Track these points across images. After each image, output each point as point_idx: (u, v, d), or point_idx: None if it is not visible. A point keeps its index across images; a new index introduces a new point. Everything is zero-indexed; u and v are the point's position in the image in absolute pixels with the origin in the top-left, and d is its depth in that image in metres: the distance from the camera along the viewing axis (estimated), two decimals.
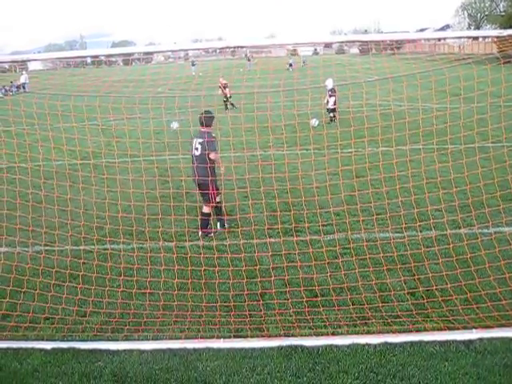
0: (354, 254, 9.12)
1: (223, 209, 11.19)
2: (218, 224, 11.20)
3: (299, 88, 12.32)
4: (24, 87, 55.33)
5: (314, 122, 22.67)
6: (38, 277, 8.46)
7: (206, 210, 11.06)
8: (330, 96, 24.85)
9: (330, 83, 25.05)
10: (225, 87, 31.51)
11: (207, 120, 10.98)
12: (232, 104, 31.21)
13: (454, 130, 11.08)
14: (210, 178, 10.42)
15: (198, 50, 10.44)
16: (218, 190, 10.98)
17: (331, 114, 24.61)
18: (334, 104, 24.62)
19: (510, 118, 10.92)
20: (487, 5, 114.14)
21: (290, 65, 70.35)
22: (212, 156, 10.71)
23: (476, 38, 78.88)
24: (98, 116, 10.35)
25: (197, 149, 10.84)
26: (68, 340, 7.21)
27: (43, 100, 10.46)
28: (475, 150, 10.06)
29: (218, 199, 10.97)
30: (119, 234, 9.91)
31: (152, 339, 7.16)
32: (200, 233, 10.94)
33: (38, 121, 10.30)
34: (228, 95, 31.28)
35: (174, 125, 22.50)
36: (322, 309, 7.65)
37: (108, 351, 6.93)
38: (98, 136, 13.53)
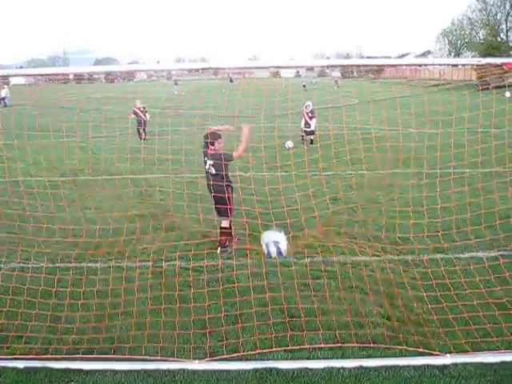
0: (332, 276, 9.12)
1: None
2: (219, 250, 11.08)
3: (280, 113, 12.34)
4: (4, 101, 55.03)
5: (290, 143, 22.92)
6: (13, 294, 8.34)
7: (224, 224, 11.07)
8: (311, 118, 25.08)
9: (309, 105, 25.40)
10: (143, 112, 28.76)
11: (212, 140, 11.03)
12: (144, 131, 28.18)
13: (433, 154, 11.17)
14: (226, 195, 10.49)
15: (181, 70, 10.47)
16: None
17: (311, 137, 24.87)
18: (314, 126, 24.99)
19: (487, 143, 11.06)
20: (467, 32, 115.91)
21: (304, 86, 71.88)
22: (235, 155, 10.78)
23: (456, 65, 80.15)
24: (77, 133, 10.31)
25: (211, 169, 10.92)
26: (41, 359, 7.10)
27: (22, 117, 10.41)
28: (451, 174, 10.17)
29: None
30: (95, 253, 9.82)
31: (126, 360, 7.07)
32: (218, 250, 10.95)
33: (16, 137, 10.22)
34: (147, 120, 28.39)
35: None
36: (297, 331, 7.62)
37: (81, 371, 6.83)
38: (75, 153, 13.48)
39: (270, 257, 7.06)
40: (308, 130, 25.13)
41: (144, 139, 27.39)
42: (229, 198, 10.61)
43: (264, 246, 7.23)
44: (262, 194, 11.35)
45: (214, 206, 11.01)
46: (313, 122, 25.11)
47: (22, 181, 11.43)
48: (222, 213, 10.95)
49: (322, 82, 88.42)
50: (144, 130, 28.30)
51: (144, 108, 29.14)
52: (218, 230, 11.10)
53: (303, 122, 25.52)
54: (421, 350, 7.07)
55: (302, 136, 25.21)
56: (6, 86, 57.25)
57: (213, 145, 10.96)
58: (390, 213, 10.31)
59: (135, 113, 28.75)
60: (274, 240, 6.99)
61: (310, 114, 25.23)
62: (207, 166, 10.94)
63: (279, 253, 7.13)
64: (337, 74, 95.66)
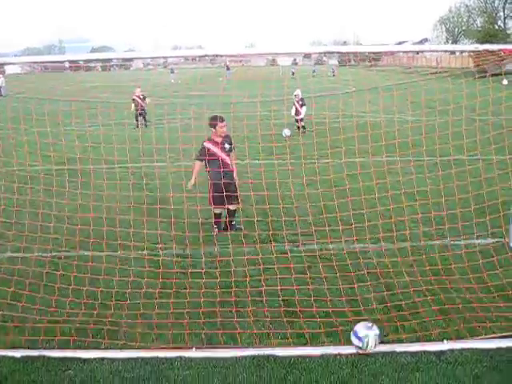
0: (329, 264, 9.13)
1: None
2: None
3: (276, 99, 12.32)
4: (0, 91, 54.80)
5: (287, 132, 22.94)
6: (10, 283, 8.33)
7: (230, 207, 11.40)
8: (301, 106, 25.12)
9: (299, 93, 25.46)
10: (142, 99, 29.06)
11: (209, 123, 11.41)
12: (144, 118, 28.75)
13: (430, 142, 11.15)
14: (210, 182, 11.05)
15: (177, 57, 10.42)
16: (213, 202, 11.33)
17: (302, 123, 24.92)
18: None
19: (485, 131, 11.05)
20: (464, 20, 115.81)
21: (293, 73, 71.63)
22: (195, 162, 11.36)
23: (453, 52, 79.86)
24: (73, 121, 10.26)
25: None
26: (38, 348, 7.10)
27: (18, 104, 10.36)
28: (451, 162, 10.16)
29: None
30: (93, 240, 9.79)
31: (124, 348, 7.08)
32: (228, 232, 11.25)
33: (13, 125, 10.19)
34: (146, 106, 28.84)
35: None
36: (295, 318, 7.63)
37: (79, 359, 6.83)
38: (73, 141, 13.43)
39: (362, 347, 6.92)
40: (298, 117, 25.27)
41: (144, 125, 28.12)
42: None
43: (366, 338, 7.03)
44: (257, 182, 11.31)
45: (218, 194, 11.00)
46: (303, 110, 25.25)
47: (17, 169, 11.42)
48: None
49: (320, 69, 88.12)
50: (144, 117, 28.63)
51: (143, 95, 29.33)
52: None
53: (293, 110, 25.66)
54: (418, 336, 7.09)
55: (298, 126, 25.23)
56: (1, 76, 57.01)
57: (214, 127, 11.25)
58: (387, 200, 10.29)
59: (134, 100, 29.00)
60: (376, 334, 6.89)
61: (300, 102, 25.33)
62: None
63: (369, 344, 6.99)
64: (334, 61, 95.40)
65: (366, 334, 6.73)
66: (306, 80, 62.34)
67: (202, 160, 11.24)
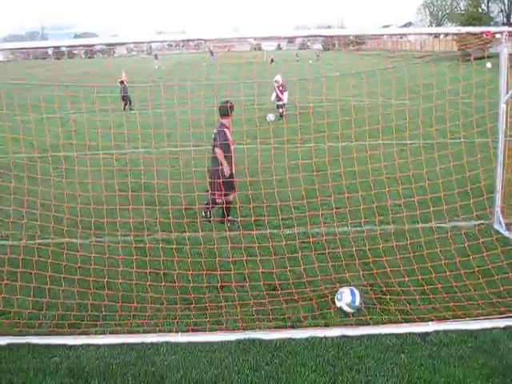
0: (314, 248, 9.19)
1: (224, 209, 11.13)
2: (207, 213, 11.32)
3: (261, 81, 12.30)
4: None
5: (271, 116, 22.86)
6: None
7: (220, 199, 11.09)
8: (282, 92, 24.97)
9: (279, 79, 25.20)
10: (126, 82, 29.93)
11: (222, 110, 11.02)
12: (130, 102, 29.01)
13: (414, 126, 11.19)
14: (219, 167, 10.64)
15: (161, 42, 10.35)
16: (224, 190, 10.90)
17: (280, 110, 24.65)
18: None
19: (468, 115, 11.11)
20: (448, 3, 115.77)
21: (272, 60, 71.11)
22: (217, 151, 10.82)
23: (437, 36, 79.90)
24: (56, 107, 10.18)
25: (214, 139, 10.99)
26: (24, 335, 7.08)
27: (1, 91, 10.26)
28: (434, 146, 10.21)
29: (219, 200, 11.10)
30: (77, 226, 9.76)
31: (109, 334, 7.08)
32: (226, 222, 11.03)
33: None
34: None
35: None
36: (280, 302, 7.67)
37: (64, 346, 6.83)
38: (57, 127, 13.33)
39: (354, 302, 7.25)
40: (279, 103, 24.99)
41: (130, 109, 28.15)
42: (219, 175, 10.64)
43: (351, 295, 7.39)
44: (241, 165, 11.31)
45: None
46: (285, 96, 24.91)
47: (0, 157, 11.33)
48: (211, 186, 11.05)
49: (303, 54, 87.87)
50: (129, 102, 28.94)
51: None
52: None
53: (274, 95, 25.34)
54: (403, 317, 7.16)
55: (280, 112, 24.93)
56: None
57: (224, 116, 11.04)
58: (372, 184, 10.35)
59: (122, 82, 29.62)
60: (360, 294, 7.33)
61: (280, 88, 25.05)
62: (213, 135, 11.08)
63: (359, 303, 7.36)
64: (318, 46, 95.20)
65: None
66: (289, 64, 62.15)
67: (224, 146, 10.87)
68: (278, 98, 25.09)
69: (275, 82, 25.19)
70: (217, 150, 10.75)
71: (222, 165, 10.72)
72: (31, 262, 8.39)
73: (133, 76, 33.04)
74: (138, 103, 25.68)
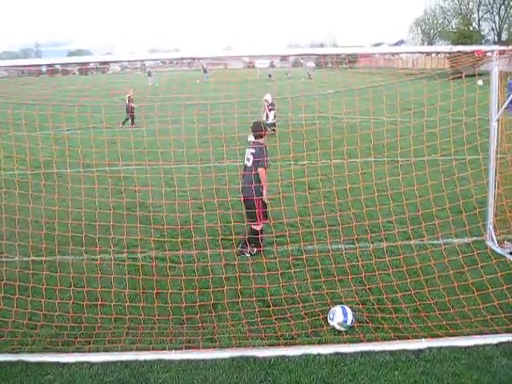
0: (307, 265, 9.21)
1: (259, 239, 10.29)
2: (239, 247, 10.43)
3: (253, 100, 12.39)
4: None
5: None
6: None
7: (254, 227, 10.39)
8: (270, 110, 25.06)
9: (269, 98, 25.36)
10: (132, 100, 30.69)
11: (258, 130, 10.52)
12: (133, 119, 29.51)
13: (405, 143, 11.27)
14: (255, 198, 9.99)
15: (154, 60, 10.42)
16: (264, 209, 10.37)
17: (271, 128, 24.53)
18: (274, 118, 25.00)
19: (459, 131, 11.19)
20: (440, 22, 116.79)
21: (270, 75, 71.34)
22: (260, 171, 10.14)
23: (429, 54, 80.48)
24: (51, 125, 10.21)
25: (248, 160, 10.31)
26: (17, 352, 7.05)
27: None
28: (425, 162, 10.27)
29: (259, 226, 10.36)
30: (70, 245, 9.76)
31: (103, 351, 7.06)
32: (237, 248, 10.37)
33: None
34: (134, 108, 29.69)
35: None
36: (274, 319, 7.67)
37: (58, 364, 6.81)
38: (50, 145, 13.35)
39: (346, 322, 7.29)
40: (268, 122, 24.83)
41: (123, 123, 28.93)
42: (257, 199, 10.11)
43: (343, 314, 7.41)
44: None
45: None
46: (271, 114, 25.01)
47: None
48: (248, 214, 10.46)
49: (295, 71, 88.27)
50: (132, 117, 29.45)
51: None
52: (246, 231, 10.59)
53: (264, 115, 25.30)
54: (396, 334, 7.17)
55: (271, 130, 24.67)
56: None
57: (260, 137, 10.55)
58: (364, 201, 10.40)
59: (130, 100, 30.46)
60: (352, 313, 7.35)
61: (270, 107, 25.20)
62: (247, 155, 10.36)
63: (351, 322, 7.39)
64: (311, 64, 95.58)
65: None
66: (282, 82, 62.48)
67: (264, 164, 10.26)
68: (267, 117, 25.07)
69: (265, 101, 25.36)
70: (260, 169, 10.13)
71: (261, 188, 10.17)
72: (28, 280, 8.39)
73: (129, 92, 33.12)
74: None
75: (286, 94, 26.57)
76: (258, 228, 10.29)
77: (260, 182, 10.13)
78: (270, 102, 25.25)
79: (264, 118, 25.04)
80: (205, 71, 77.93)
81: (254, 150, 10.31)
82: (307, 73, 77.19)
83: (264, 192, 10.19)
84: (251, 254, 10.27)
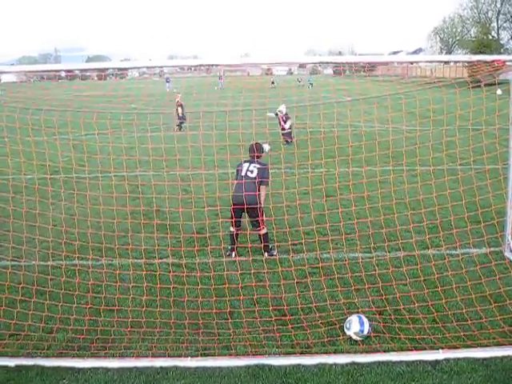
0: (323, 274, 9.16)
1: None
2: (266, 254, 10.62)
3: (271, 107, 12.40)
4: None
5: (266, 147, 22.64)
6: (4, 292, 8.35)
7: (262, 232, 10.63)
8: (286, 120, 24.87)
9: (283, 109, 25.17)
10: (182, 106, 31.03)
11: (259, 149, 11.02)
12: (181, 124, 30.19)
13: (424, 151, 11.23)
14: (258, 206, 10.29)
15: (173, 66, 10.46)
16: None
17: (288, 138, 24.51)
18: (290, 128, 24.78)
19: (478, 140, 11.12)
20: (459, 30, 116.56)
21: (273, 82, 71.21)
22: (263, 190, 10.60)
23: (447, 62, 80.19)
24: (69, 130, 10.27)
25: (251, 171, 10.56)
26: (32, 357, 7.08)
27: (14, 113, 10.38)
28: (444, 171, 10.21)
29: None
30: (88, 251, 9.82)
31: (119, 357, 7.08)
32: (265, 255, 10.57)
33: (8, 134, 10.20)
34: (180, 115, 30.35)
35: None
36: (290, 328, 7.64)
37: (73, 369, 6.81)
38: (68, 151, 13.45)
39: (363, 331, 7.26)
40: (284, 132, 24.89)
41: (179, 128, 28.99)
42: (260, 207, 10.40)
43: (359, 324, 7.39)
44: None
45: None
46: (287, 124, 24.81)
47: (12, 178, 11.41)
48: (253, 222, 10.66)
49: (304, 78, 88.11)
50: (180, 122, 29.74)
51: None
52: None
53: (280, 126, 25.13)
54: (413, 345, 7.11)
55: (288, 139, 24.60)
56: None
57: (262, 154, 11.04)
58: (382, 209, 10.35)
59: (180, 105, 30.39)
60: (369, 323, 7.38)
61: (284, 118, 24.96)
62: (249, 167, 10.66)
63: (368, 331, 7.35)
64: (329, 71, 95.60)
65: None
66: (287, 90, 62.39)
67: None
68: (282, 128, 24.99)
69: (279, 111, 25.08)
70: (264, 187, 10.59)
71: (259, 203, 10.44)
72: (45, 284, 8.44)
73: (147, 98, 33.26)
74: (149, 126, 25.86)
75: (293, 101, 26.51)
76: (265, 231, 10.52)
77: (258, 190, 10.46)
78: (285, 112, 25.04)
79: (281, 130, 25.10)
80: (220, 78, 78.13)
81: (259, 166, 10.63)
82: (309, 83, 76.34)
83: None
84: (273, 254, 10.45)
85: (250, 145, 10.95)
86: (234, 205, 10.35)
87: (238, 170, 10.82)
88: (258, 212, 10.28)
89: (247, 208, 10.06)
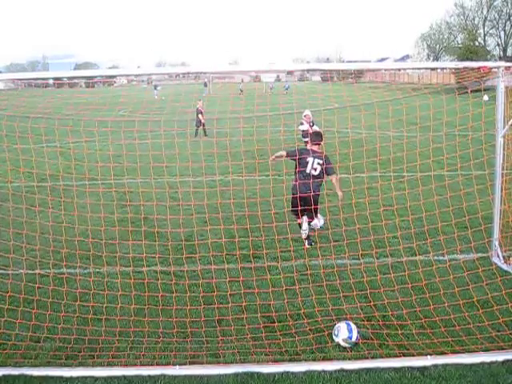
0: (312, 281, 9.16)
1: None
2: (306, 242, 11.13)
3: (258, 115, 12.42)
4: None
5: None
6: None
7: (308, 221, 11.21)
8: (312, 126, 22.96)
9: (309, 114, 22.76)
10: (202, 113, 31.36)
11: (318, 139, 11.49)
12: (198, 130, 30.77)
13: (411, 158, 11.27)
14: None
15: (161, 74, 10.46)
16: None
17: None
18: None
19: (465, 147, 11.18)
20: (446, 37, 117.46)
21: (241, 90, 71.36)
22: (334, 178, 11.25)
23: (434, 69, 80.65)
24: (57, 138, 10.24)
25: (315, 169, 11.10)
26: (20, 366, 7.02)
27: (1, 121, 10.35)
28: (431, 178, 10.25)
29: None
30: (75, 259, 9.77)
31: (107, 366, 7.03)
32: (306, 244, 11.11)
33: None
34: (202, 121, 30.77)
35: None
36: (278, 335, 7.63)
37: (61, 378, 6.76)
38: (56, 158, 13.40)
39: (351, 338, 7.27)
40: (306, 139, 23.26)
41: (204, 134, 29.50)
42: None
43: (348, 330, 7.40)
44: (240, 198, 11.36)
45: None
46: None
47: None
48: (309, 213, 11.03)
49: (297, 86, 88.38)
50: (198, 128, 30.25)
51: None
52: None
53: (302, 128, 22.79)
54: (401, 351, 7.12)
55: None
56: None
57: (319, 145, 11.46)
58: (370, 216, 10.38)
59: (200, 112, 30.75)
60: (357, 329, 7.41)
61: (311, 124, 22.39)
62: (313, 164, 11.13)
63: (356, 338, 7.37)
64: (317, 78, 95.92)
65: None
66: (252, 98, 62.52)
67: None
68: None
69: (304, 116, 22.70)
70: (334, 175, 11.22)
71: (336, 189, 11.11)
72: (33, 293, 8.39)
73: (134, 106, 33.20)
74: (137, 134, 25.77)
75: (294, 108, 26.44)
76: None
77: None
78: (311, 118, 22.62)
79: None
80: (205, 85, 78.29)
81: (320, 160, 11.08)
82: (285, 87, 76.60)
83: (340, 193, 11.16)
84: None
85: (311, 133, 11.26)
86: (293, 205, 10.93)
87: (300, 159, 11.14)
88: (317, 204, 10.99)
89: (313, 194, 10.63)
